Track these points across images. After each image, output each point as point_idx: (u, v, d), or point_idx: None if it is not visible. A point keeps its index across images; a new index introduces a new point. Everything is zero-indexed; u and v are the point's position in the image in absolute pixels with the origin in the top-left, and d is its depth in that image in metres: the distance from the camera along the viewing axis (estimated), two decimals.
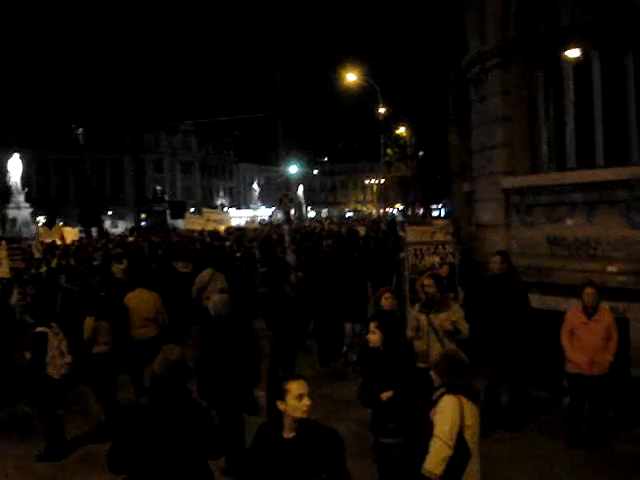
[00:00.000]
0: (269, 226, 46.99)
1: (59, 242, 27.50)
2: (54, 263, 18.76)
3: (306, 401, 4.36)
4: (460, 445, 5.02)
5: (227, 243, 25.05)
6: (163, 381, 4.89)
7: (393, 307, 8.38)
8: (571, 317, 8.73)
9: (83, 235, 42.14)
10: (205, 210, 33.01)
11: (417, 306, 8.69)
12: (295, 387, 4.39)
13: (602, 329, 8.42)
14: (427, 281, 8.54)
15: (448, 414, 5.04)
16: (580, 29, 10.63)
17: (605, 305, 8.76)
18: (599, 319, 8.44)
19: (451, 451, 4.97)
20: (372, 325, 6.50)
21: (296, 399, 4.34)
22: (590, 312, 8.48)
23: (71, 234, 31.13)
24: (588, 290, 8.45)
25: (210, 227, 29.82)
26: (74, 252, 22.61)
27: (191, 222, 31.84)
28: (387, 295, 8.38)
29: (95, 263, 18.11)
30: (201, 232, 29.09)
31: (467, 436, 5.05)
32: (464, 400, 5.10)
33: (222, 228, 31.18)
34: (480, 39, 11.94)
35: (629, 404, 9.33)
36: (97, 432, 9.58)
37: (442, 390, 5.25)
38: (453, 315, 8.45)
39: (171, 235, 33.73)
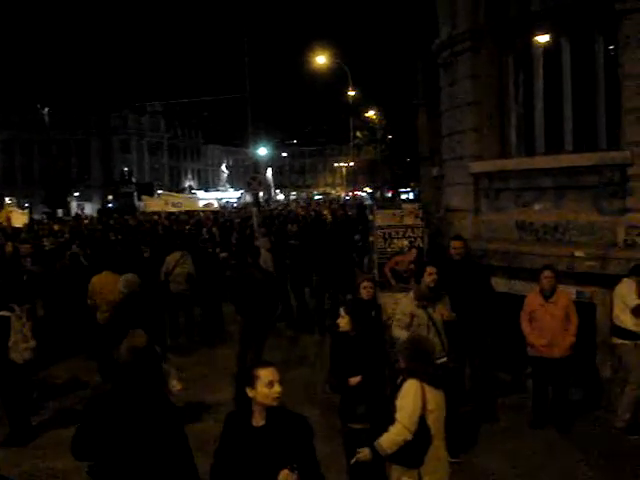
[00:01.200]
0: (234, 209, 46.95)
1: (5, 224, 26.74)
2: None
3: (277, 388, 4.25)
4: (421, 430, 5.02)
5: (187, 227, 24.95)
6: (128, 368, 4.81)
7: (370, 297, 8.14)
8: (530, 301, 8.93)
9: (44, 218, 41.51)
10: (163, 193, 32.11)
11: (408, 299, 8.15)
12: (265, 374, 4.27)
13: (559, 311, 8.59)
14: (430, 269, 8.24)
15: (410, 399, 5.05)
16: (550, 14, 10.62)
17: (563, 288, 8.91)
18: (556, 301, 8.65)
19: (410, 435, 4.98)
20: (342, 310, 6.49)
21: (266, 386, 4.24)
22: (548, 295, 8.69)
23: (20, 218, 29.76)
24: (546, 273, 8.70)
25: (168, 210, 29.27)
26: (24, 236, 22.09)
27: (149, 205, 31.07)
28: (366, 284, 8.16)
29: (46, 248, 17.82)
30: (159, 215, 28.66)
31: (429, 421, 5.05)
32: (427, 385, 5.10)
33: (198, 207, 30.96)
34: (451, 23, 11.89)
35: (595, 388, 9.44)
36: (63, 416, 9.48)
37: (405, 375, 5.25)
38: (447, 304, 8.31)
39: (130, 218, 33.20)
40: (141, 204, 36.74)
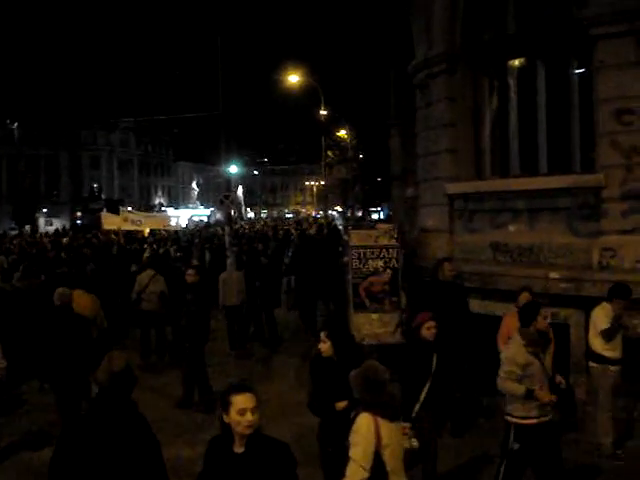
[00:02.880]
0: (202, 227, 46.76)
1: None
2: None
3: (249, 417, 4.07)
4: (377, 466, 4.80)
5: (145, 246, 24.40)
6: (106, 392, 4.70)
7: (433, 338, 7.33)
8: (507, 322, 8.87)
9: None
10: (123, 210, 30.72)
11: (516, 346, 6.91)
12: (238, 400, 4.11)
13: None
14: (544, 312, 7.39)
15: (362, 434, 4.83)
16: (525, 38, 10.74)
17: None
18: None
19: (367, 473, 4.75)
20: (322, 334, 6.38)
21: (238, 413, 4.08)
22: None
23: None
24: (524, 295, 8.68)
25: (127, 228, 28.18)
26: None
27: (107, 222, 29.61)
28: (430, 324, 7.28)
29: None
30: (116, 233, 27.96)
31: (385, 456, 4.83)
32: (380, 418, 4.89)
33: (146, 230, 29.74)
34: (427, 45, 11.98)
35: (570, 410, 9.45)
36: (33, 439, 9.27)
37: (358, 408, 5.06)
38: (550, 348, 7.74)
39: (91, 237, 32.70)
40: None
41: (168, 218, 30.89)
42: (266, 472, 4.08)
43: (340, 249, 19.53)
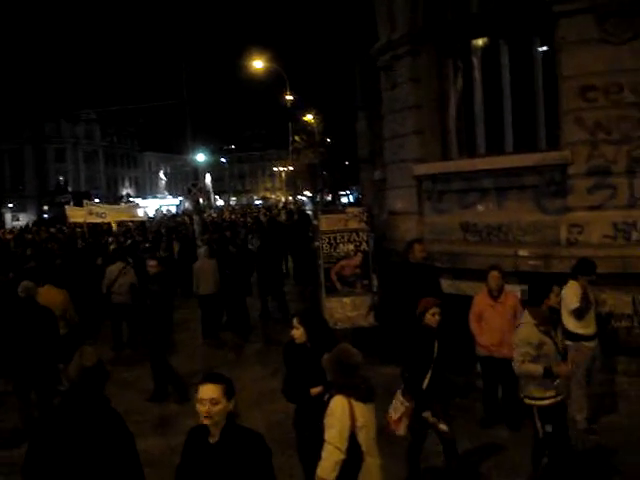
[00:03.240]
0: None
1: None
2: None
3: (206, 407, 4.09)
4: (353, 448, 4.88)
5: (110, 239, 24.08)
6: (78, 387, 4.65)
7: (437, 325, 7.17)
8: (478, 301, 9.00)
9: None
10: (86, 202, 29.87)
11: (528, 327, 6.71)
12: (200, 390, 4.16)
13: (508, 310, 8.66)
14: (556, 289, 6.96)
15: (337, 416, 4.89)
16: (488, 17, 10.75)
17: (510, 287, 9.00)
18: (504, 301, 8.73)
19: (343, 455, 4.83)
20: (295, 321, 6.33)
21: (198, 403, 4.12)
22: (495, 295, 8.77)
23: None
24: (493, 274, 8.75)
25: (91, 220, 27.71)
26: None
27: (72, 215, 28.98)
28: (435, 310, 7.09)
29: None
30: (81, 226, 27.54)
31: (360, 438, 4.90)
32: (354, 400, 4.95)
33: (114, 222, 29.09)
34: (390, 27, 11.94)
35: None
36: (9, 437, 9.16)
37: (332, 391, 5.11)
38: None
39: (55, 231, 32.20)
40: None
41: (134, 209, 30.01)
42: (239, 462, 4.07)
43: (310, 234, 19.68)
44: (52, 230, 32.60)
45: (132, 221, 31.15)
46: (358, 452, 4.90)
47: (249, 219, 35.32)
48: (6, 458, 8.28)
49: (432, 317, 6.99)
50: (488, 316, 8.79)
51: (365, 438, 4.94)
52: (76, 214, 27.64)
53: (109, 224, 28.66)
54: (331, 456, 4.84)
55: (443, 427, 6.49)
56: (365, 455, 4.95)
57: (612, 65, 9.12)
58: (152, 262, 11.25)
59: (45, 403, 9.04)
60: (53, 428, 4.58)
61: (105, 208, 29.33)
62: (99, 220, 27.60)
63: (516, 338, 6.81)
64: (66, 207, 29.86)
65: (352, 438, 4.87)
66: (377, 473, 5.10)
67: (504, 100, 10.73)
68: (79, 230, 27.31)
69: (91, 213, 26.49)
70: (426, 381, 6.84)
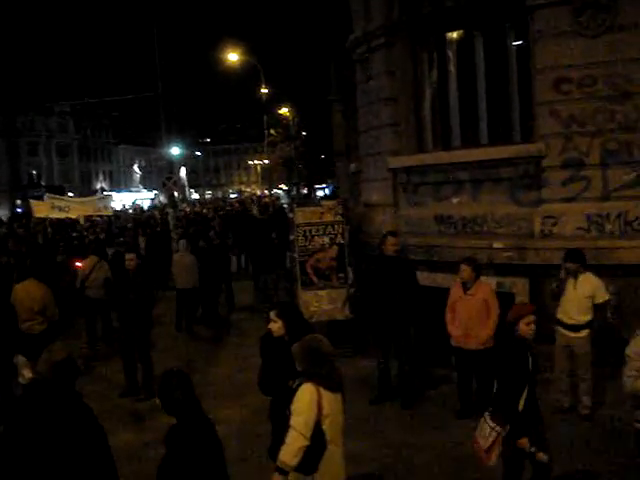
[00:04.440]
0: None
1: None
2: None
3: None
4: (317, 435, 4.91)
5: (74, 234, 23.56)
6: (47, 383, 4.58)
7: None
8: (452, 292, 9.05)
9: None
10: (48, 195, 28.77)
11: None
12: None
13: (476, 302, 8.68)
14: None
15: (304, 403, 4.92)
16: (463, 10, 10.74)
17: (484, 280, 9.05)
18: (474, 293, 8.74)
19: (307, 442, 4.86)
20: (272, 314, 6.29)
21: None
22: (467, 287, 8.79)
23: None
24: (463, 267, 8.76)
25: (55, 215, 27.00)
26: None
27: (37, 209, 28.04)
28: (531, 318, 6.11)
29: None
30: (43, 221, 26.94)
31: (324, 426, 4.93)
32: (322, 389, 4.97)
33: (74, 216, 28.30)
34: (365, 19, 11.93)
35: None
36: None
37: (301, 379, 5.13)
38: None
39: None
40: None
41: (101, 202, 28.63)
42: None
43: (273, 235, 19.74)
44: (15, 225, 31.84)
45: (100, 216, 30.10)
46: (322, 440, 4.93)
47: (220, 213, 34.79)
48: None
49: (527, 327, 5.97)
50: (457, 307, 8.87)
51: (330, 426, 4.97)
52: (40, 209, 26.84)
53: (73, 219, 27.86)
54: (295, 442, 4.87)
55: (543, 457, 5.61)
56: (329, 443, 4.98)
57: (586, 58, 9.18)
58: (130, 256, 11.08)
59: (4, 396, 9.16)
60: (23, 423, 4.52)
61: (69, 202, 28.28)
62: (62, 215, 26.75)
63: (629, 351, 5.82)
64: (31, 201, 28.73)
65: (317, 426, 4.90)
66: (340, 461, 5.15)
67: (479, 93, 10.77)
68: (39, 225, 26.55)
69: (53, 207, 25.65)
70: (522, 402, 5.82)
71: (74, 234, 23.41)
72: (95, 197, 30.65)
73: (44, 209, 25.64)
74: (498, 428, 5.76)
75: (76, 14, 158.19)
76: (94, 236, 21.88)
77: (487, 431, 5.84)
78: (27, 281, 10.90)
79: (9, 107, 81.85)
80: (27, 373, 8.57)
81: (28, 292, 10.65)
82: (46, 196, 27.45)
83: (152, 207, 56.93)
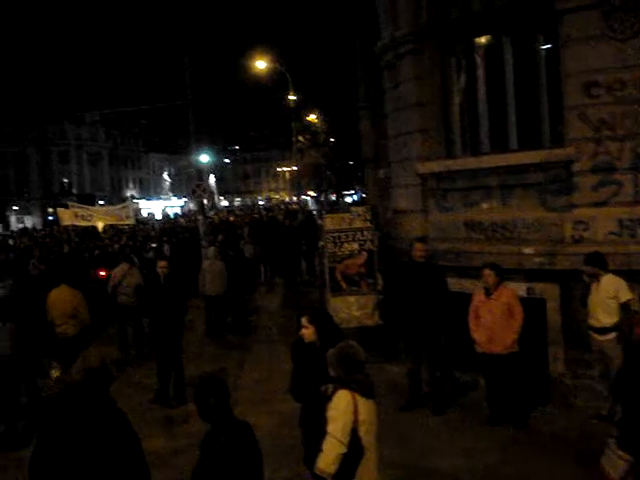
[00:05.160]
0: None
1: None
2: None
3: None
4: (354, 442, 4.89)
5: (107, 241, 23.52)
6: (82, 389, 4.65)
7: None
8: (475, 298, 9.09)
9: None
10: (71, 204, 28.67)
11: None
12: None
13: (500, 307, 8.69)
14: None
15: (341, 410, 4.90)
16: (491, 15, 10.70)
17: (514, 285, 9.02)
18: (497, 297, 8.76)
19: (345, 448, 4.85)
20: (304, 320, 6.30)
21: None
22: (490, 292, 8.81)
23: None
24: (486, 272, 8.81)
25: (78, 223, 26.96)
26: None
27: (63, 218, 27.96)
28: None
29: None
30: (67, 230, 26.94)
31: (361, 432, 4.92)
32: (358, 395, 4.97)
33: (100, 225, 28.23)
34: (393, 25, 11.92)
35: (546, 383, 9.55)
36: (11, 439, 9.18)
37: (336, 385, 5.12)
38: None
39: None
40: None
41: (124, 211, 28.15)
42: None
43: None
44: (36, 235, 32.11)
45: (127, 225, 29.72)
46: (359, 447, 4.92)
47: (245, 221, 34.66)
48: (14, 459, 8.30)
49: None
50: (481, 313, 8.90)
51: (366, 433, 4.97)
52: (65, 217, 26.95)
53: (96, 228, 27.86)
54: (333, 449, 4.86)
55: None
56: (365, 450, 4.97)
57: (616, 61, 9.09)
58: (162, 262, 11.21)
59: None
60: (59, 429, 4.58)
61: (91, 210, 28.26)
62: (85, 223, 26.78)
63: None
64: (58, 210, 28.77)
65: (353, 433, 4.89)
66: (375, 469, 5.15)
67: (508, 98, 10.70)
68: (64, 235, 26.68)
69: (77, 216, 25.74)
70: None
71: (98, 243, 23.54)
72: (117, 206, 30.47)
73: (68, 217, 25.82)
74: (628, 457, 5.21)
75: (108, 24, 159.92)
76: (119, 245, 22.00)
77: (615, 460, 5.31)
78: (59, 287, 11.42)
79: (41, 117, 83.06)
80: (54, 373, 9.38)
81: (60, 297, 11.14)
82: (69, 205, 27.55)
83: (177, 215, 57.34)
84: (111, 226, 28.72)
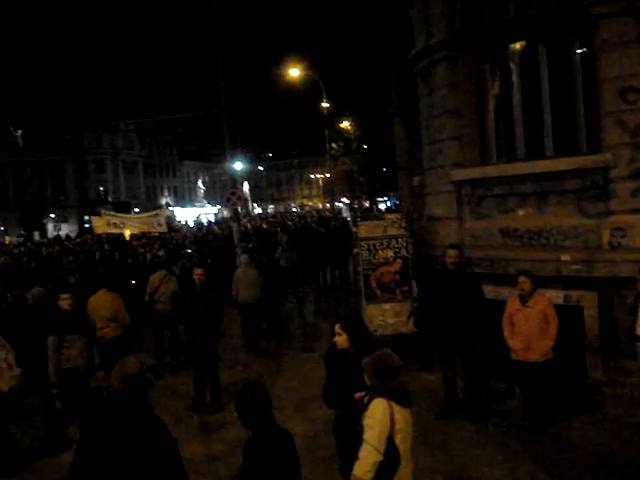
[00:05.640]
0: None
1: None
2: None
3: None
4: (390, 450, 4.90)
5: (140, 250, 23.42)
6: (121, 396, 4.71)
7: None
8: (509, 305, 9.07)
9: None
10: (104, 212, 28.59)
11: None
12: None
13: (536, 314, 8.68)
14: None
15: (377, 418, 4.91)
16: (525, 20, 10.65)
17: (543, 291, 8.97)
18: (532, 304, 8.75)
19: (381, 456, 4.86)
20: (337, 327, 6.32)
21: None
22: (525, 299, 8.79)
23: None
24: (522, 279, 8.81)
25: (110, 231, 26.92)
26: None
27: (96, 225, 27.80)
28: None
29: None
30: (100, 238, 27.05)
31: (397, 440, 4.93)
32: (394, 403, 4.98)
33: (127, 233, 27.93)
34: (426, 32, 11.90)
35: (584, 391, 9.45)
36: (49, 445, 9.30)
37: (372, 393, 5.14)
38: None
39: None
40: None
41: (156, 219, 27.96)
42: None
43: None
44: (66, 243, 32.40)
45: (160, 233, 29.54)
46: (395, 455, 4.93)
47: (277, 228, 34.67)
48: (53, 465, 8.43)
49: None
50: (516, 320, 8.90)
51: (402, 441, 4.98)
52: (98, 225, 27.05)
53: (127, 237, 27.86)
54: (369, 456, 4.87)
55: None
56: (401, 458, 4.98)
57: None
58: (199, 270, 11.28)
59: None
60: (99, 435, 4.64)
61: (123, 218, 28.26)
62: (117, 231, 26.86)
63: None
64: (92, 218, 28.91)
65: (390, 441, 4.91)
66: (411, 477, 5.16)
67: (543, 104, 10.62)
68: (96, 244, 26.73)
69: (109, 224, 25.84)
70: None
71: (129, 252, 23.70)
72: (149, 213, 30.52)
73: (102, 225, 25.99)
74: None
75: (143, 35, 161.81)
76: (150, 254, 22.15)
77: None
78: (99, 292, 11.83)
79: (77, 126, 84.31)
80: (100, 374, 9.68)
81: (100, 301, 11.60)
82: (102, 213, 27.69)
83: (210, 222, 57.54)
84: (143, 234, 28.87)
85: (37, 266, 20.03)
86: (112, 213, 29.87)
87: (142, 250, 23.15)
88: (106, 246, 25.22)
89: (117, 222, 26.46)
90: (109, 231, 26.57)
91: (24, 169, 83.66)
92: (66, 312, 9.62)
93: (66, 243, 32.43)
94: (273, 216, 70.30)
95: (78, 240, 34.03)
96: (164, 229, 26.45)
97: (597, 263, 9.29)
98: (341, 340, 6.23)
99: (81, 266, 18.05)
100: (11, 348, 8.84)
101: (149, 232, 28.64)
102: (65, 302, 9.63)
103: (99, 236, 28.01)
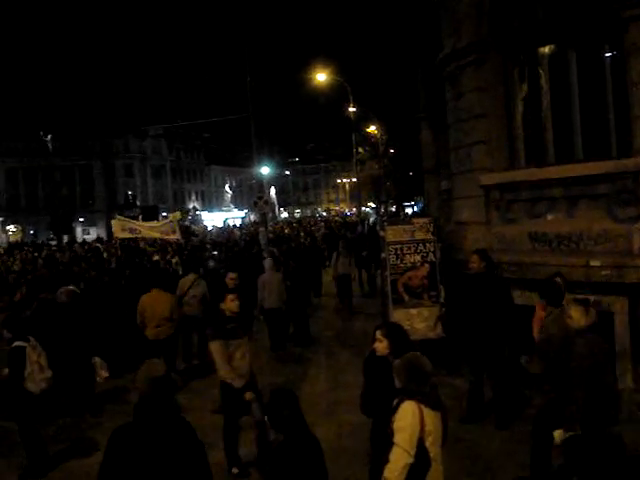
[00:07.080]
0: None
1: None
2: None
3: None
4: (420, 453, 4.89)
5: (155, 257, 23.61)
6: (149, 399, 4.73)
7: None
8: (537, 310, 8.83)
9: None
10: (119, 218, 28.46)
11: None
12: None
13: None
14: None
15: (408, 421, 4.90)
16: (555, 23, 10.58)
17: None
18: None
19: (412, 459, 4.84)
20: (379, 333, 6.27)
21: None
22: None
23: None
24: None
25: (126, 236, 26.89)
26: None
27: (116, 230, 27.70)
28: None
29: None
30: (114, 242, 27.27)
31: (427, 443, 4.92)
32: (424, 406, 4.97)
33: (155, 235, 28.08)
34: (454, 36, 11.88)
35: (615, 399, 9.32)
36: (81, 446, 9.38)
37: (402, 396, 5.12)
38: None
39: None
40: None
41: (169, 226, 27.67)
42: None
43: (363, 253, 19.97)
44: (85, 248, 32.51)
45: (178, 240, 29.27)
46: (426, 457, 4.92)
47: (301, 234, 34.58)
48: (82, 467, 8.49)
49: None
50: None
51: (432, 444, 4.97)
52: (116, 230, 27.04)
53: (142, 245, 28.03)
54: (400, 459, 4.85)
55: None
56: (432, 461, 4.96)
57: None
58: (232, 275, 11.33)
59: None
60: (126, 437, 4.67)
61: (138, 224, 28.16)
62: (131, 236, 26.84)
63: None
64: (112, 222, 28.77)
65: (420, 443, 4.89)
66: (441, 479, 5.12)
67: (572, 107, 10.54)
68: (112, 249, 26.92)
69: (124, 229, 25.83)
70: None
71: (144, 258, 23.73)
72: (160, 222, 30.60)
73: (118, 230, 26.09)
74: None
75: (171, 40, 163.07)
76: (164, 260, 22.16)
77: None
78: (153, 291, 12.06)
79: (106, 131, 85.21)
80: (104, 373, 10.04)
81: (157, 301, 11.84)
82: (117, 218, 27.73)
83: (234, 226, 57.79)
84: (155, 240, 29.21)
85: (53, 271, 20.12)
86: (126, 219, 29.85)
87: (157, 257, 23.27)
88: (119, 252, 25.43)
89: (133, 227, 26.48)
90: (125, 236, 26.60)
91: (54, 173, 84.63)
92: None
93: (75, 249, 32.70)
94: (298, 221, 70.26)
95: (86, 247, 34.28)
96: (178, 236, 26.52)
97: (628, 269, 9.19)
98: (381, 346, 6.17)
99: (89, 273, 17.83)
100: (43, 350, 8.94)
101: (163, 238, 28.65)
102: None
103: (116, 242, 28.32)
